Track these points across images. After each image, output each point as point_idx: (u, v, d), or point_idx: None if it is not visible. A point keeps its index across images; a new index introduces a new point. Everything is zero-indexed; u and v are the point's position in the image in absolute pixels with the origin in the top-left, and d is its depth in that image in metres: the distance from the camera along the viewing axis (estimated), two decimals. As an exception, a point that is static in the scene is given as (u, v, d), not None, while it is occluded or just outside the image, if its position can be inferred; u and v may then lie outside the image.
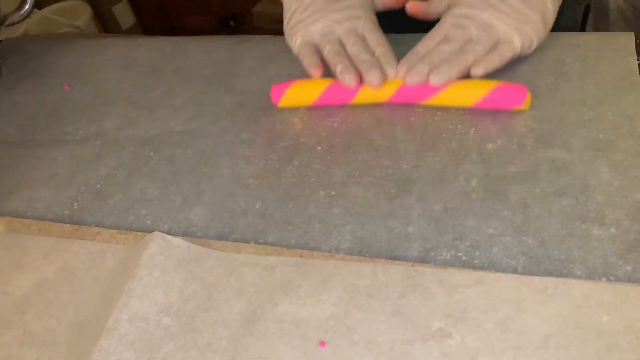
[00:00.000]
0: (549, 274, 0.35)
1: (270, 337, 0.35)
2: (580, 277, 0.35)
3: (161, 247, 0.40)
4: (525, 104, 0.46)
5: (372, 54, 0.50)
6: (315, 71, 0.50)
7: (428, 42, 0.50)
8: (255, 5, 1.77)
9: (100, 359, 0.34)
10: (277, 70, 0.57)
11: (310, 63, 0.51)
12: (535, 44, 0.49)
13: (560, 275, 0.35)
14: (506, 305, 0.33)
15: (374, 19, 0.54)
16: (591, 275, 0.35)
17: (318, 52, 0.52)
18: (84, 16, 1.63)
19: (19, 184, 0.50)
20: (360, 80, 0.48)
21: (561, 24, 0.67)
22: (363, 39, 0.51)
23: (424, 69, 0.47)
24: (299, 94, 0.51)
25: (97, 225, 0.45)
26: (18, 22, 0.66)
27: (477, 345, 0.32)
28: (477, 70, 0.47)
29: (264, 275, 0.38)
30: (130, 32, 1.92)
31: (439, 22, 0.51)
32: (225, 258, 0.39)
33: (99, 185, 0.49)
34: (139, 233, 0.43)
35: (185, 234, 0.43)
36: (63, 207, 0.47)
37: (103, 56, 0.67)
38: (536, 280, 0.34)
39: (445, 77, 0.46)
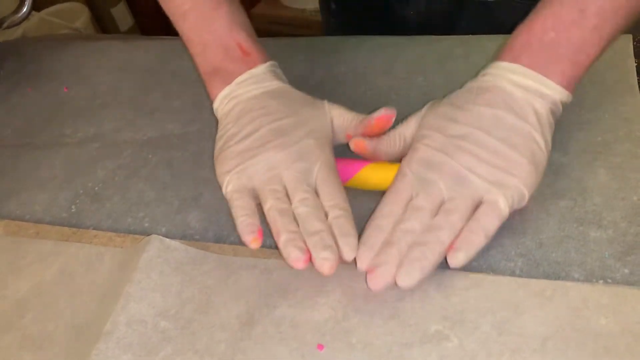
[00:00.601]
0: (547, 276, 0.35)
1: (268, 340, 0.35)
2: (578, 280, 0.35)
3: (159, 250, 0.40)
4: None
5: (325, 216, 0.38)
6: (255, 241, 0.38)
7: (390, 207, 0.38)
8: (254, 7, 1.76)
9: (98, 363, 0.34)
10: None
11: (246, 228, 0.38)
12: (527, 197, 0.37)
13: (558, 277, 0.35)
14: (504, 308, 0.33)
15: (331, 161, 0.42)
16: (589, 277, 0.35)
17: (256, 203, 0.40)
18: (82, 18, 1.63)
19: (16, 187, 0.50)
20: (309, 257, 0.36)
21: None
22: (314, 193, 0.39)
23: (389, 269, 0.35)
24: None
25: (94, 228, 0.45)
26: (16, 24, 0.66)
27: (474, 348, 0.32)
28: (456, 260, 0.35)
29: (262, 278, 0.38)
30: (129, 33, 1.92)
31: (399, 173, 0.40)
32: (223, 261, 0.39)
33: (97, 188, 0.48)
34: (137, 236, 0.43)
35: (183, 237, 0.43)
36: (61, 210, 0.47)
37: (101, 58, 0.67)
38: (534, 282, 0.34)
39: (416, 276, 0.34)
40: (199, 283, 0.38)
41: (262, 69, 0.45)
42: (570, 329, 0.32)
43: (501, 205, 0.36)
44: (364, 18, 0.72)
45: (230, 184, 0.41)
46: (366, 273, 0.36)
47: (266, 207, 0.39)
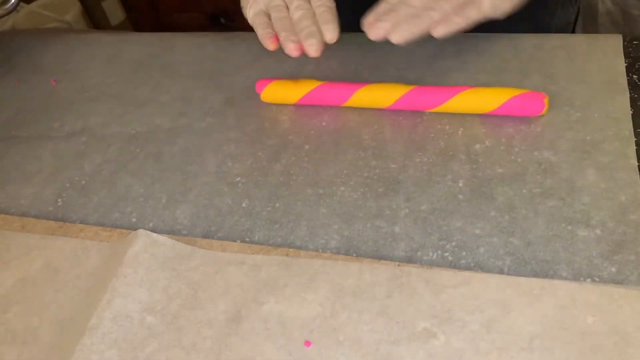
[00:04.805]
0: (535, 274, 0.35)
1: (255, 336, 0.34)
2: (565, 278, 0.35)
3: (146, 245, 0.39)
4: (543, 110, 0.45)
5: (314, 16, 0.49)
6: (270, 43, 0.50)
7: None
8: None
9: (82, 358, 0.34)
10: (265, 68, 0.57)
11: (263, 36, 0.50)
12: (508, 9, 0.47)
13: (545, 276, 0.35)
14: (492, 306, 0.33)
15: None
16: (576, 276, 0.35)
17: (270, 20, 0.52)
18: (72, 11, 1.62)
19: (2, 180, 0.50)
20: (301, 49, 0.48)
21: (553, 25, 0.67)
22: (307, 2, 0.51)
23: (385, 25, 0.46)
24: (282, 90, 0.51)
25: (81, 222, 0.44)
26: (3, 16, 0.66)
27: (462, 346, 0.32)
28: (438, 31, 0.46)
29: (250, 274, 0.38)
30: (120, 28, 1.91)
31: None
32: (211, 257, 0.39)
33: (83, 182, 0.48)
34: (124, 230, 0.42)
35: (171, 232, 0.42)
36: (47, 204, 0.47)
37: (90, 51, 0.66)
38: (522, 281, 0.34)
39: (405, 36, 0.46)
40: (186, 278, 0.38)
41: None
42: (557, 328, 0.32)
43: (485, 4, 0.46)
44: (357, 13, 0.72)
45: (251, 10, 0.53)
46: (367, 28, 0.47)
47: (272, 19, 0.51)
